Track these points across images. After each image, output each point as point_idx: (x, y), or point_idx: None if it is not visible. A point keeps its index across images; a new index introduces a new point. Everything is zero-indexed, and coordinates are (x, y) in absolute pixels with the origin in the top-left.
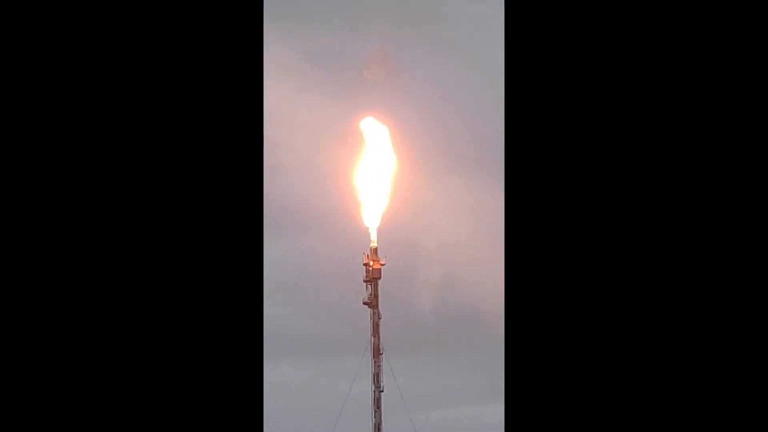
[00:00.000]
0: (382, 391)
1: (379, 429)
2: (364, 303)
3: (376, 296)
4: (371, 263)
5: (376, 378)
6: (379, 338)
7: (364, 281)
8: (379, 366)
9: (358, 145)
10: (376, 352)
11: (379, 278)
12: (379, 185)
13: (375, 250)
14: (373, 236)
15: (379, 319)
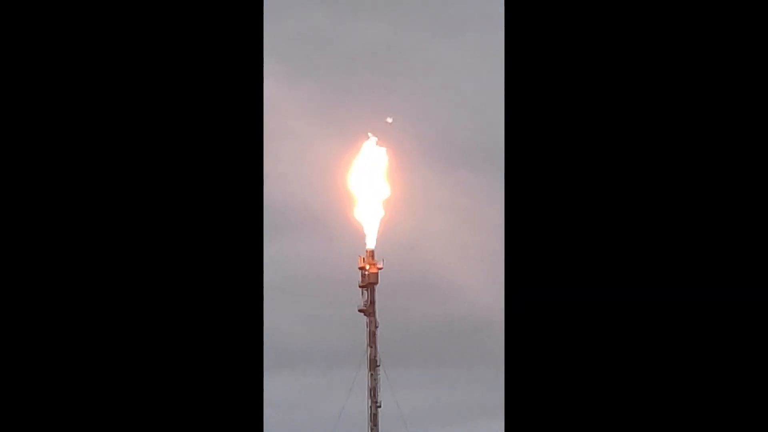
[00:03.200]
0: (380, 406)
1: None
2: (360, 310)
3: (372, 303)
4: (367, 267)
5: (373, 392)
6: (375, 349)
7: (360, 287)
8: (375, 379)
9: (355, 138)
10: (373, 364)
11: (376, 283)
12: (376, 181)
13: (371, 253)
14: (370, 238)
15: (376, 328)
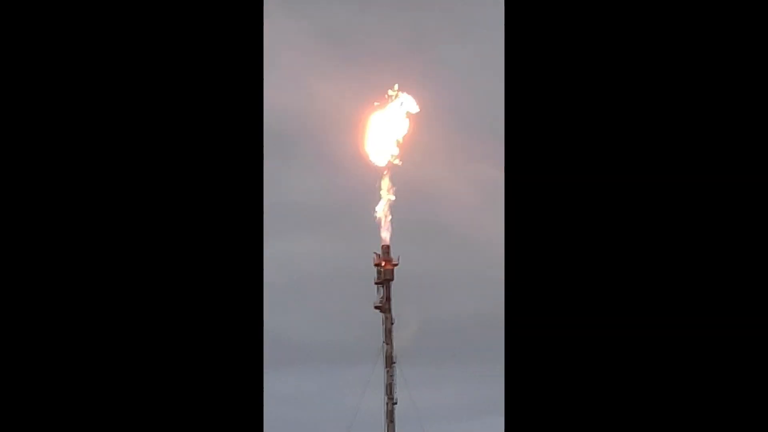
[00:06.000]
0: (396, 403)
1: None
2: (376, 307)
3: (388, 299)
4: (383, 263)
5: (389, 389)
6: (392, 346)
7: (376, 283)
8: (392, 376)
9: (373, 131)
10: (389, 361)
11: (392, 280)
12: (392, 173)
13: (387, 249)
14: (385, 233)
15: (392, 324)
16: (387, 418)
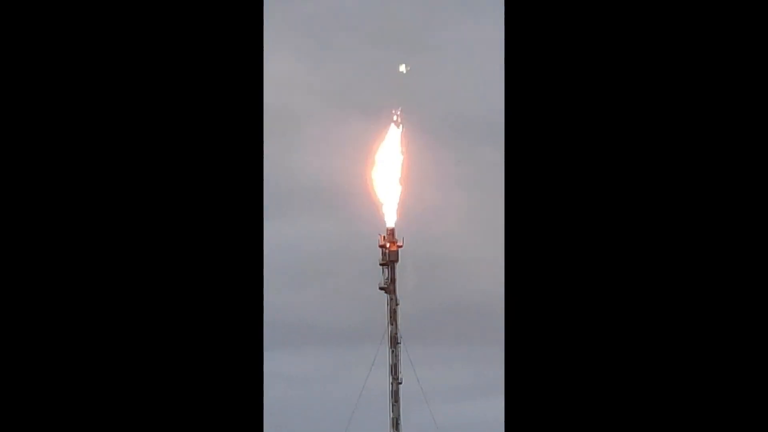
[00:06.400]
0: (401, 383)
1: (397, 423)
2: (381, 288)
3: (393, 281)
4: (388, 245)
5: (394, 369)
6: (396, 326)
7: (380, 264)
8: (396, 356)
9: (377, 117)
10: (394, 342)
11: (397, 261)
12: (397, 159)
13: (392, 231)
14: (390, 215)
15: (397, 305)
16: (392, 397)
